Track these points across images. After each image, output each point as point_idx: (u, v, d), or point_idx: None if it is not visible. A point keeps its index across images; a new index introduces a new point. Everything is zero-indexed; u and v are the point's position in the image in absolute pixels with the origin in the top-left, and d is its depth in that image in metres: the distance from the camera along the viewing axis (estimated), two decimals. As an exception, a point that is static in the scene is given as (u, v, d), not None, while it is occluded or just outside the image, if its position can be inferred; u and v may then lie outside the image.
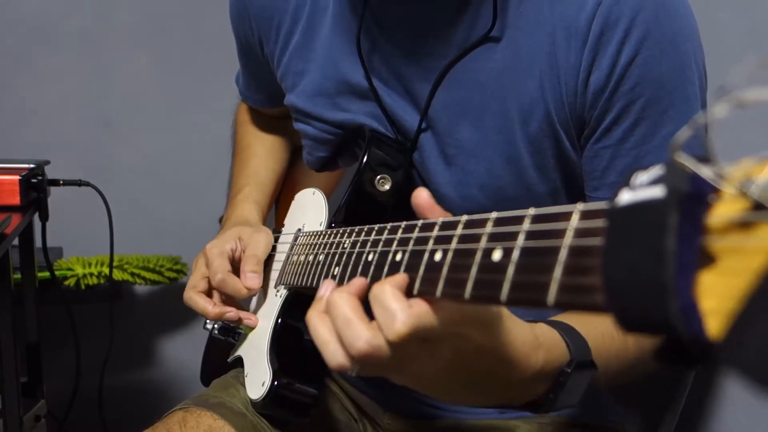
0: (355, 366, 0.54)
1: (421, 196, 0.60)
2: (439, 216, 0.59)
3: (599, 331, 0.72)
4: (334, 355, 0.55)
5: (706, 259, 0.29)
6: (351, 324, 0.53)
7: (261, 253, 0.99)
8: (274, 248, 1.03)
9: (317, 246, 0.82)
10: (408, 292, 0.54)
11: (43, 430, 1.49)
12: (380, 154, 0.95)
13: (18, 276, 1.46)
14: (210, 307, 0.97)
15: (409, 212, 0.61)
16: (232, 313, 0.97)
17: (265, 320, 0.98)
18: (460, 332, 0.54)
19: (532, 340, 0.62)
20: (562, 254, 0.39)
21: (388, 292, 0.52)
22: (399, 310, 0.51)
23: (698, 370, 1.15)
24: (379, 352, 0.52)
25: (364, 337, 0.52)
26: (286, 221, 1.08)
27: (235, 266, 0.99)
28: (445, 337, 0.53)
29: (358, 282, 0.58)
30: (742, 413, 1.29)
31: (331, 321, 0.55)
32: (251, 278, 0.95)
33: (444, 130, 0.92)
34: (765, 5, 1.28)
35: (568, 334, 0.67)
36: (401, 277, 0.54)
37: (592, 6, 0.81)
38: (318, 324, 0.56)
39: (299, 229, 1.00)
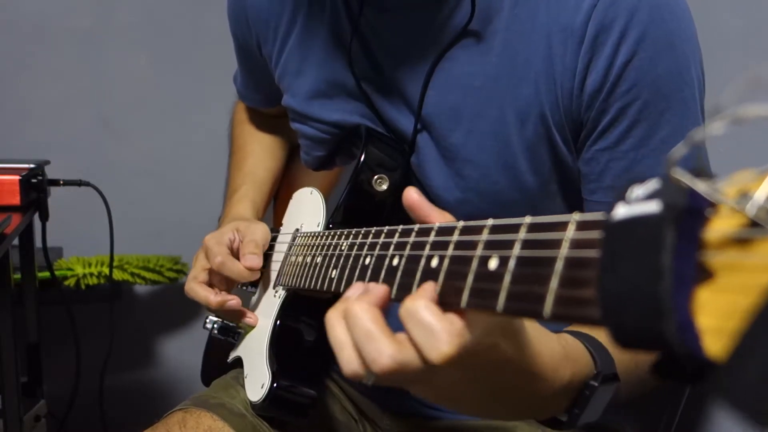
0: (372, 377, 0.49)
1: (411, 196, 0.59)
2: (429, 211, 0.58)
3: None
4: (348, 361, 0.50)
5: (704, 274, 0.29)
6: (373, 338, 0.48)
7: (259, 238, 0.99)
8: (272, 247, 1.03)
9: (315, 247, 0.82)
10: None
11: (43, 430, 1.49)
12: (377, 153, 0.94)
13: (18, 276, 1.47)
14: (212, 296, 0.97)
15: (407, 212, 0.61)
16: (233, 301, 0.97)
17: (264, 321, 0.98)
18: (489, 342, 0.50)
19: (559, 350, 0.59)
20: (558, 265, 0.38)
21: (425, 308, 0.47)
22: (442, 330, 0.46)
23: (696, 388, 1.14)
24: (405, 368, 0.47)
25: (388, 352, 0.47)
26: (284, 221, 1.08)
27: (234, 256, 0.99)
28: (475, 349, 0.48)
29: (380, 291, 0.53)
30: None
31: (350, 332, 0.50)
32: (251, 258, 0.96)
33: (440, 135, 0.92)
34: (765, 7, 1.28)
35: (593, 345, 0.63)
36: (431, 288, 0.50)
37: (587, 7, 0.80)
38: (336, 325, 0.52)
39: (297, 229, 0.99)
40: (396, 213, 0.63)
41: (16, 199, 1.32)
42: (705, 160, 0.86)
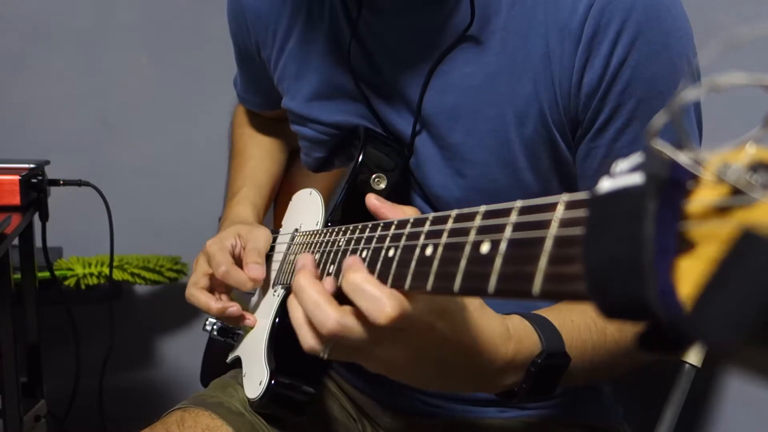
0: (326, 348, 0.58)
1: (371, 202, 0.67)
2: (390, 212, 0.65)
3: (576, 324, 0.74)
4: (305, 338, 0.59)
5: (685, 244, 0.29)
6: (320, 306, 0.57)
7: (262, 246, 0.99)
8: (272, 248, 1.03)
9: (313, 245, 0.82)
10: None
11: (43, 430, 1.49)
12: (376, 153, 0.95)
13: (18, 276, 1.47)
14: (213, 303, 0.97)
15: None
16: (234, 308, 0.97)
17: (263, 320, 0.98)
18: (426, 321, 0.57)
19: (502, 332, 0.64)
20: (548, 244, 0.38)
21: (368, 281, 0.55)
22: (386, 296, 0.53)
23: (678, 356, 1.15)
24: (348, 332, 0.55)
25: (333, 317, 0.56)
26: (284, 221, 1.08)
27: (236, 262, 0.99)
28: (413, 325, 0.56)
29: (308, 259, 0.64)
30: (743, 413, 1.28)
31: (301, 305, 0.59)
32: (254, 269, 0.96)
33: (439, 135, 0.92)
34: (761, 6, 1.28)
35: (541, 326, 0.69)
36: (359, 260, 0.59)
37: (584, 7, 0.81)
38: (294, 308, 0.60)
39: (296, 229, 1.00)
40: None
41: (16, 199, 1.33)
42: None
